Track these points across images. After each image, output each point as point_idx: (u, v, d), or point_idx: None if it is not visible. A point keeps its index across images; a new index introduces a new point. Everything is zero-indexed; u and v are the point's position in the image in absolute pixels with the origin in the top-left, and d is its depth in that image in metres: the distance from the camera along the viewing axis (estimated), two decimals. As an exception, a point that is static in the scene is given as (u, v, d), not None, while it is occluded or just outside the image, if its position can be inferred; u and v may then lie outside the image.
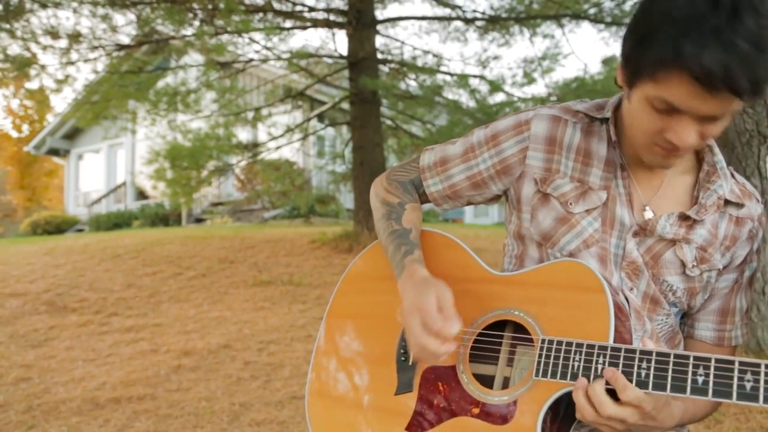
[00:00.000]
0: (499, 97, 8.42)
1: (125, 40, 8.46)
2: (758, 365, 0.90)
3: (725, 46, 0.87)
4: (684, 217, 1.16)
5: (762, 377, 0.89)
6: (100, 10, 7.99)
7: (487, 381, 1.16)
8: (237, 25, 7.96)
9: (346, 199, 12.56)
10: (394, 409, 1.20)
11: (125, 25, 8.44)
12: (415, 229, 1.29)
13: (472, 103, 8.45)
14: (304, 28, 8.93)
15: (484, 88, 8.44)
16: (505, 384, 1.15)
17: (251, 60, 9.00)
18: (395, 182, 1.37)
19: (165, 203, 14.68)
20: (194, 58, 9.09)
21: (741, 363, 0.91)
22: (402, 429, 1.17)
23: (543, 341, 1.07)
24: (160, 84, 8.90)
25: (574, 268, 1.12)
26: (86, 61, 8.39)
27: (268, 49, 8.70)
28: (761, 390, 0.89)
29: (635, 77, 1.02)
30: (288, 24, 8.88)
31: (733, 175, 1.21)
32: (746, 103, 0.94)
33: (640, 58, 0.98)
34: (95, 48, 8.28)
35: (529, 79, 8.43)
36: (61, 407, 3.75)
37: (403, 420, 1.17)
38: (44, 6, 7.84)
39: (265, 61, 9.19)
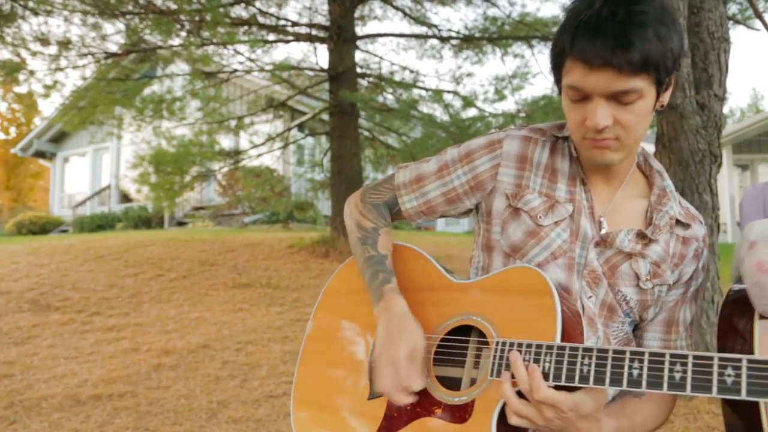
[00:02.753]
0: (472, 112, 8.77)
1: (113, 48, 8.57)
2: (686, 356, 0.94)
3: (597, 31, 1.05)
4: (641, 235, 1.23)
5: (690, 368, 0.94)
6: (90, 19, 8.09)
7: (455, 383, 1.19)
8: (222, 37, 8.12)
9: (324, 206, 12.77)
10: (366, 413, 1.25)
11: (114, 33, 8.54)
12: (389, 254, 1.34)
13: (445, 117, 8.78)
14: (287, 41, 9.17)
15: (457, 103, 8.78)
16: (472, 385, 1.17)
17: (235, 71, 9.18)
18: (369, 205, 1.40)
19: (148, 206, 14.84)
20: (180, 67, 9.25)
21: (672, 355, 0.96)
22: (373, 431, 1.23)
23: (497, 343, 1.11)
24: (147, 91, 9.02)
25: (526, 273, 1.16)
26: (75, 67, 8.45)
27: (251, 60, 8.92)
28: (689, 380, 0.93)
29: (557, 78, 1.17)
30: (271, 37, 9.11)
31: (680, 202, 1.29)
32: (630, 77, 1.06)
33: (554, 58, 1.15)
34: (84, 55, 8.36)
35: (500, 96, 8.78)
36: (42, 403, 3.80)
37: (375, 423, 1.23)
38: (36, 13, 8.00)
39: (248, 72, 9.41)
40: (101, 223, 15.79)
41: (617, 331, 1.26)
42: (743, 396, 0.90)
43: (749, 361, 0.91)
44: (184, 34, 8.42)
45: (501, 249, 1.28)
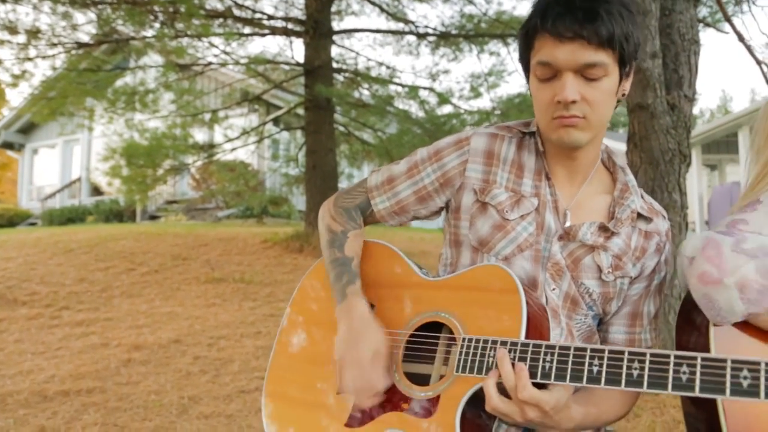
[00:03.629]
0: (447, 109, 8.82)
1: (85, 39, 8.42)
2: (644, 354, 0.98)
3: (567, 7, 1.14)
4: (603, 228, 1.26)
5: (647, 365, 0.97)
6: (61, 8, 7.94)
7: (424, 379, 1.21)
8: (197, 29, 8.04)
9: (299, 201, 12.73)
10: (336, 407, 1.27)
11: (85, 23, 8.40)
12: (356, 257, 1.36)
13: (421, 114, 8.82)
14: (263, 35, 9.12)
15: (433, 99, 8.83)
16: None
17: (210, 63, 9.12)
18: (341, 209, 1.43)
19: (120, 200, 14.63)
20: (154, 59, 9.14)
21: (630, 353, 0.99)
22: (341, 425, 1.24)
23: (464, 339, 1.14)
24: (119, 83, 8.92)
25: (494, 271, 1.19)
26: (44, 57, 8.29)
27: (226, 53, 8.87)
28: (646, 377, 0.97)
29: (525, 61, 1.23)
30: (247, 30, 9.04)
31: (642, 196, 1.33)
32: (597, 50, 1.13)
33: (522, 44, 1.22)
34: (54, 45, 8.19)
35: (476, 93, 8.86)
36: (8, 399, 3.73)
37: (343, 416, 1.24)
38: (3, 0, 7.83)
39: (223, 65, 9.36)
40: (71, 216, 15.55)
41: (580, 323, 1.29)
42: (696, 393, 0.93)
43: (703, 359, 0.94)
44: (157, 25, 8.32)
45: (469, 244, 1.31)
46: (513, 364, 1.06)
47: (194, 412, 3.60)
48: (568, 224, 1.27)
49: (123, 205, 15.14)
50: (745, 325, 1.09)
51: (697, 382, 0.94)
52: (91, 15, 8.30)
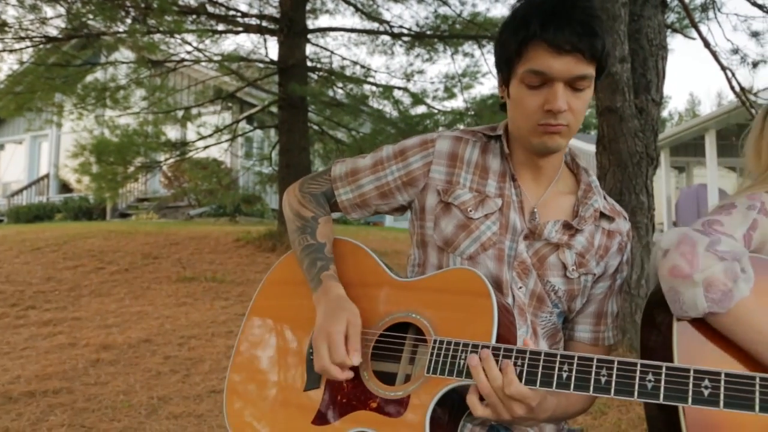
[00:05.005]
0: (421, 109, 8.85)
1: (54, 33, 8.26)
2: (612, 362, 1.02)
3: (567, 20, 1.16)
4: (567, 226, 1.31)
5: (615, 372, 1.01)
6: (29, 1, 7.81)
7: (390, 378, 1.22)
8: (170, 26, 7.94)
9: (272, 199, 12.68)
10: (302, 404, 1.26)
11: (54, 17, 8.25)
12: (329, 242, 1.37)
13: (395, 114, 8.84)
14: (237, 32, 9.04)
15: (407, 100, 8.85)
16: (407, 380, 1.21)
17: (183, 60, 9.00)
18: (308, 195, 1.43)
19: (89, 197, 14.40)
20: (125, 54, 9.00)
21: (599, 360, 1.03)
22: (308, 422, 1.23)
23: (435, 341, 1.16)
24: (89, 78, 8.75)
25: (465, 275, 1.21)
26: (11, 51, 8.16)
27: (199, 50, 8.79)
28: (613, 384, 1.01)
29: (510, 68, 1.25)
30: (221, 27, 8.95)
31: (605, 197, 1.39)
32: (589, 63, 1.19)
33: (510, 48, 1.22)
34: (21, 38, 8.01)
35: (450, 94, 8.91)
36: None
37: (310, 414, 1.24)
38: (-32, -7, 7.66)
39: (196, 62, 9.24)
40: (39, 214, 15.25)
41: (545, 321, 1.33)
42: (661, 401, 0.98)
43: (668, 368, 0.99)
44: (129, 20, 8.20)
45: (434, 244, 1.34)
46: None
47: (164, 412, 3.56)
48: (537, 220, 1.31)
49: (92, 203, 14.90)
50: (706, 328, 1.13)
51: (662, 390, 0.98)
52: (61, 9, 8.14)
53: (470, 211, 1.31)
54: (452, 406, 1.17)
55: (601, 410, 3.56)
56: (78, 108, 8.56)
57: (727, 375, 0.95)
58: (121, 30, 8.20)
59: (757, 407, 0.92)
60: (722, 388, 0.95)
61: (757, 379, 0.93)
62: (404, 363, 1.23)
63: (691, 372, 0.97)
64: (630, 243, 1.40)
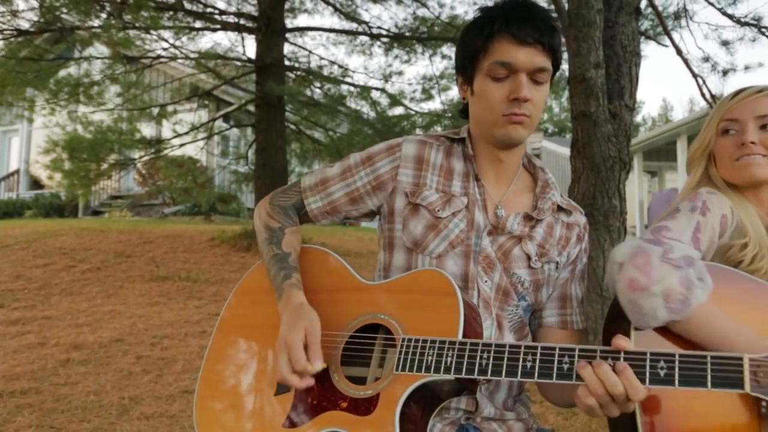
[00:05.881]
0: (398, 111, 8.87)
1: (26, 26, 8.11)
2: (573, 349, 1.07)
3: (528, 16, 1.30)
4: (528, 217, 1.39)
5: (576, 359, 1.05)
6: (0, -7, 7.72)
7: (361, 381, 1.24)
8: (146, 21, 7.84)
9: (248, 198, 12.64)
10: (273, 409, 1.28)
11: (27, 10, 8.12)
12: (294, 252, 1.40)
13: (372, 114, 8.86)
14: (214, 30, 8.97)
15: (384, 101, 8.87)
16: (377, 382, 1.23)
17: (159, 57, 8.89)
18: (277, 207, 1.48)
19: (61, 194, 14.16)
20: (99, 50, 8.89)
21: (561, 348, 1.07)
22: (279, 426, 1.25)
23: (403, 340, 1.19)
24: (62, 73, 8.60)
25: (432, 275, 1.26)
26: (-19, 44, 8.08)
27: (176, 47, 8.70)
28: (575, 370, 1.05)
29: (474, 65, 1.34)
30: (198, 24, 8.88)
31: (561, 195, 1.48)
32: (547, 57, 1.31)
33: (476, 44, 1.32)
34: (-8, 31, 7.99)
35: (428, 96, 8.97)
36: None
37: (281, 418, 1.26)
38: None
39: (173, 59, 9.14)
40: (8, 210, 14.95)
41: (511, 314, 1.39)
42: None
43: (626, 352, 1.04)
44: (104, 15, 8.09)
45: (403, 245, 1.39)
46: (451, 361, 1.11)
47: (135, 412, 3.53)
48: (501, 213, 1.39)
49: (64, 200, 14.65)
50: (663, 330, 1.17)
51: None
52: (33, 2, 7.99)
53: (438, 210, 1.37)
54: (423, 403, 1.19)
55: (573, 411, 3.60)
56: (50, 103, 8.42)
57: (681, 356, 1.01)
58: (95, 25, 8.08)
59: (709, 383, 0.98)
60: (677, 368, 1.00)
61: (708, 358, 0.99)
62: (374, 366, 1.25)
63: (648, 355, 1.02)
64: (587, 234, 1.49)
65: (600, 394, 1.03)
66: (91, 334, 4.98)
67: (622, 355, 1.03)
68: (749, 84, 1.50)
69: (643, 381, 1.02)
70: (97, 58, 8.53)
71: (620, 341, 1.05)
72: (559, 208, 1.46)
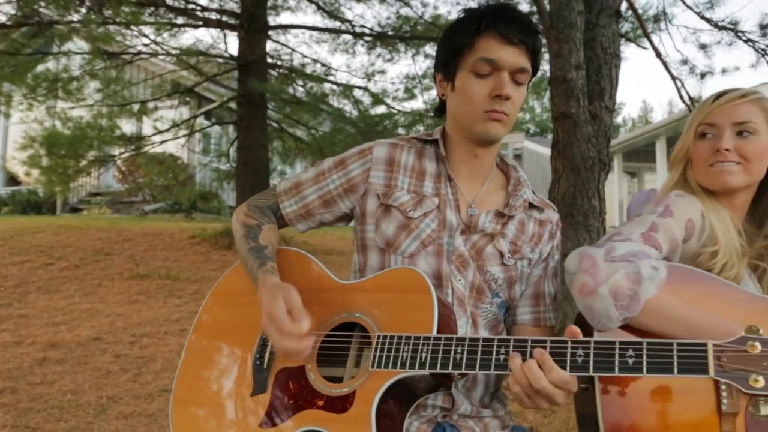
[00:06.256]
0: (381, 110, 8.89)
1: (2, 19, 8.00)
2: (545, 341, 1.09)
3: (514, 17, 1.35)
4: (499, 214, 1.42)
5: (548, 350, 1.08)
6: (-25, -15, 7.60)
7: (339, 381, 1.25)
8: (126, 17, 7.77)
9: (229, 196, 12.55)
10: (249, 409, 1.29)
11: (3, 3, 8.00)
12: (270, 245, 1.42)
13: (355, 113, 8.86)
14: (196, 26, 8.91)
15: (367, 99, 8.88)
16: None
17: (140, 53, 8.82)
18: (254, 207, 1.52)
19: (38, 190, 13.97)
20: (79, 45, 8.78)
21: (533, 341, 1.10)
22: (256, 426, 1.26)
23: (379, 337, 1.21)
24: (40, 68, 8.49)
25: (406, 273, 1.28)
26: (-45, 37, 7.93)
27: (157, 43, 8.62)
28: None
29: (457, 61, 1.37)
30: (179, 21, 8.81)
31: (534, 192, 1.52)
32: (528, 59, 1.36)
33: (461, 41, 1.36)
34: (-34, 25, 7.86)
35: (410, 95, 8.99)
36: None
37: (258, 418, 1.26)
38: None
39: (154, 55, 9.08)
40: (-17, 207, 14.71)
41: (486, 311, 1.42)
42: (591, 372, 1.07)
43: (596, 342, 1.08)
44: (83, 10, 7.99)
45: (376, 246, 1.42)
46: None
47: (113, 411, 3.50)
48: (474, 212, 1.41)
49: (42, 197, 14.42)
50: (626, 329, 1.19)
51: (591, 363, 1.06)
52: (10, -5, 7.89)
53: (409, 211, 1.39)
54: (399, 399, 1.21)
55: (551, 409, 3.64)
56: (28, 98, 8.29)
57: (648, 343, 1.04)
58: (75, 19, 7.98)
59: (675, 370, 1.00)
60: (645, 356, 1.03)
61: (674, 345, 1.02)
62: (350, 364, 1.27)
63: (617, 344, 1.05)
64: (559, 231, 1.53)
65: (523, 383, 1.07)
66: (68, 332, 4.93)
67: (592, 345, 1.06)
68: (726, 87, 1.49)
69: (612, 370, 1.04)
70: (76, 53, 8.41)
71: (574, 329, 1.10)
72: (531, 205, 1.49)
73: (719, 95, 1.45)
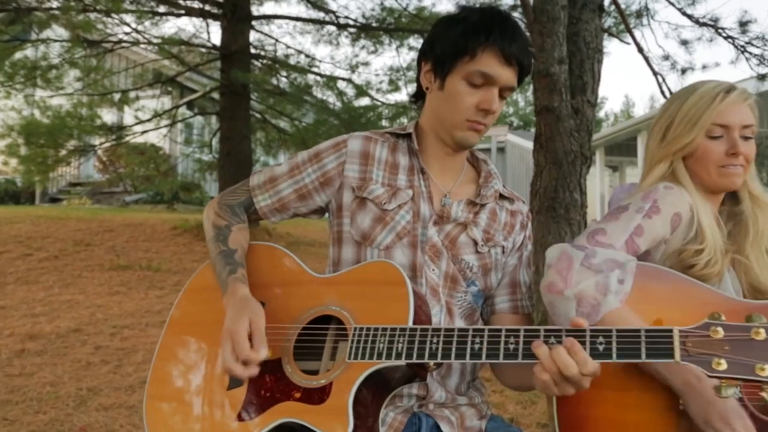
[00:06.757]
0: (365, 101, 8.87)
1: (-22, 5, 7.95)
2: (518, 330, 1.11)
3: (515, 36, 1.36)
4: (471, 203, 1.46)
5: (521, 339, 1.10)
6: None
7: (315, 374, 1.25)
8: (107, 4, 7.70)
9: (212, 187, 12.47)
10: (226, 404, 1.29)
11: (-20, -12, 7.92)
12: (240, 248, 1.42)
13: (339, 105, 8.85)
14: (178, 15, 8.83)
15: (351, 91, 8.86)
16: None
17: (121, 41, 8.71)
18: (225, 206, 1.51)
19: (17, 180, 13.78)
20: (58, 32, 8.67)
21: (507, 330, 1.12)
22: (233, 420, 1.26)
23: (355, 329, 1.21)
24: (18, 56, 8.37)
25: (382, 266, 1.30)
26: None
27: (138, 32, 8.53)
28: (521, 350, 1.09)
29: (453, 63, 1.37)
30: (161, 9, 8.73)
31: (504, 185, 1.55)
32: (517, 78, 1.39)
33: (463, 47, 1.35)
34: (-58, 10, 7.71)
35: (394, 87, 8.98)
36: None
37: (234, 411, 1.27)
38: None
39: (135, 44, 8.98)
40: (-40, 196, 14.47)
41: (461, 301, 1.44)
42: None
43: (567, 331, 1.09)
44: (63, -4, 7.88)
45: (351, 239, 1.43)
46: (403, 348, 1.14)
47: (93, 403, 3.49)
48: (447, 201, 1.44)
49: (20, 186, 14.23)
50: None
51: None
52: (-13, -20, 7.75)
53: (384, 203, 1.41)
54: (375, 390, 1.21)
55: (531, 400, 3.68)
56: (5, 86, 8.18)
57: (617, 330, 1.06)
58: (54, 6, 7.87)
59: (643, 355, 1.03)
60: (614, 343, 1.05)
61: (642, 331, 1.05)
62: (326, 357, 1.28)
63: (588, 332, 1.07)
64: (530, 222, 1.57)
65: (553, 371, 1.06)
66: (47, 323, 4.89)
67: (564, 333, 1.08)
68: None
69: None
70: (56, 41, 8.29)
71: (579, 320, 1.10)
72: (502, 197, 1.53)
73: (726, 92, 1.44)
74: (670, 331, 1.03)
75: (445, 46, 1.39)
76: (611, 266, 1.22)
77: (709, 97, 1.44)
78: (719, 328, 1.00)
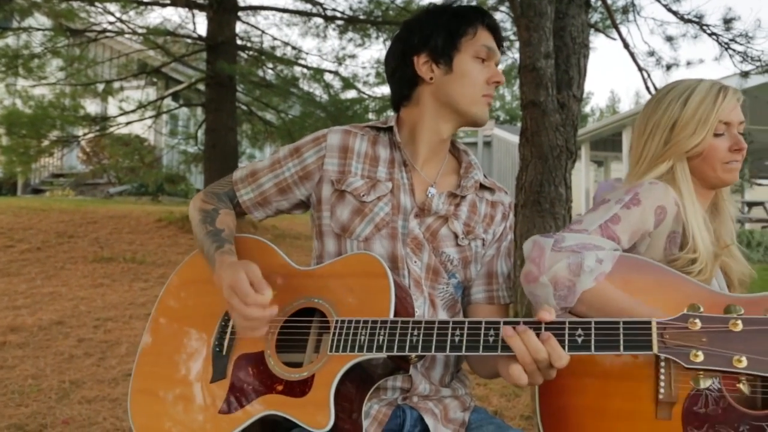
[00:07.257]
0: (351, 94, 8.87)
1: (-42, -7, 7.82)
2: (498, 322, 1.11)
3: (496, 25, 1.50)
4: (452, 195, 1.47)
5: (501, 331, 1.10)
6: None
7: (298, 367, 1.25)
8: (91, -7, 7.68)
9: (197, 179, 12.39)
10: (209, 396, 1.29)
11: (-40, -24, 7.79)
12: (227, 228, 1.43)
13: (325, 97, 8.82)
14: (164, 5, 8.72)
15: (337, 84, 8.84)
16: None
17: (105, 31, 8.62)
18: (211, 194, 1.54)
19: (-2, 171, 13.62)
20: (40, 21, 8.55)
21: (486, 322, 1.12)
22: (216, 412, 1.27)
23: (337, 322, 1.22)
24: (-1, 44, 8.33)
25: (364, 258, 1.30)
26: None
27: (123, 21, 8.43)
28: (499, 342, 1.10)
29: (458, 43, 1.44)
30: (147, -1, 8.69)
31: (485, 175, 1.56)
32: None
33: (463, 28, 1.45)
34: None
35: (381, 80, 8.93)
36: None
37: (217, 404, 1.27)
38: None
39: (119, 33, 8.88)
40: (-60, 187, 14.26)
41: (443, 292, 1.45)
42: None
43: (546, 323, 1.10)
44: (46, -16, 7.76)
45: (332, 232, 1.45)
46: (383, 340, 1.15)
47: (76, 396, 3.45)
48: (432, 192, 1.46)
49: (2, 177, 14.05)
50: (576, 315, 1.24)
51: None
52: (-32, -33, 7.63)
53: (363, 195, 1.43)
54: (358, 382, 1.22)
55: (515, 393, 3.69)
56: (-14, 76, 8.06)
57: (596, 322, 1.07)
58: (36, -6, 7.75)
59: (621, 347, 1.04)
60: (593, 334, 1.06)
61: (621, 323, 1.06)
62: (310, 350, 1.28)
63: (566, 324, 1.08)
64: (512, 213, 1.58)
65: (527, 362, 1.07)
66: (29, 316, 4.84)
67: (543, 325, 1.08)
68: (689, 78, 1.53)
69: (564, 348, 1.07)
70: (38, 29, 8.19)
71: (544, 313, 1.10)
72: (483, 187, 1.54)
73: (724, 90, 1.47)
74: (649, 323, 1.04)
75: (442, 32, 1.44)
76: (585, 248, 1.23)
77: (712, 97, 1.46)
78: (697, 320, 1.01)
